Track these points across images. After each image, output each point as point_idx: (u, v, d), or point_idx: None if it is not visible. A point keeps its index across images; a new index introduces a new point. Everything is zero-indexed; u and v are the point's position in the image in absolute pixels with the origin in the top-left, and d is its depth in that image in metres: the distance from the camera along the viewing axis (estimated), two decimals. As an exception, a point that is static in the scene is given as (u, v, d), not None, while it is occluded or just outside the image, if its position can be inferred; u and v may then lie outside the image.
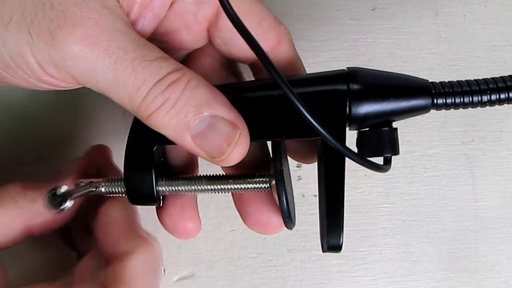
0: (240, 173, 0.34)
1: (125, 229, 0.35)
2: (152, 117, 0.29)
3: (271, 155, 0.33)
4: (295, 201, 0.37)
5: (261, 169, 0.35)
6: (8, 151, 0.44)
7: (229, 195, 0.36)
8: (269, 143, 0.35)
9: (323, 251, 0.32)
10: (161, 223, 0.35)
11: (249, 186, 0.33)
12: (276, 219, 0.35)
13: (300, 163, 0.42)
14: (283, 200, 0.32)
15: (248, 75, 0.37)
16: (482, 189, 0.46)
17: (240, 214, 0.36)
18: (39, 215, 0.35)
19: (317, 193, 0.32)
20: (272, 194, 0.34)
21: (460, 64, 0.47)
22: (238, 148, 0.30)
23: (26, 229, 0.35)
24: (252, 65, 0.36)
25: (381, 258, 0.45)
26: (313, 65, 0.46)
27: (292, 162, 0.36)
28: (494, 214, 0.46)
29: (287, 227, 0.33)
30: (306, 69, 0.36)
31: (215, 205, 0.44)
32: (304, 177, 0.45)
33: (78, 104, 0.45)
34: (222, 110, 0.29)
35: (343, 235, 0.31)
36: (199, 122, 0.29)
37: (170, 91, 0.28)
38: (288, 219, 0.32)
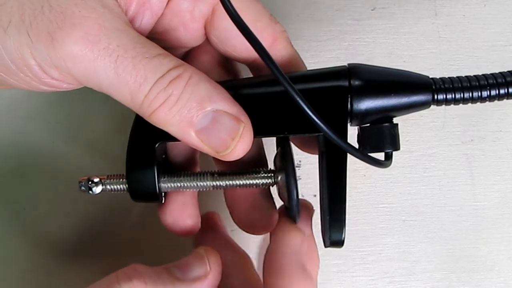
0: (236, 170, 0.34)
1: (298, 262, 0.32)
2: (155, 114, 0.29)
3: (282, 151, 0.33)
4: None
5: (255, 166, 0.35)
6: (9, 153, 0.43)
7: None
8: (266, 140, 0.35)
9: (325, 246, 0.32)
10: (161, 219, 0.35)
11: (254, 181, 0.33)
12: (270, 218, 0.35)
13: (299, 162, 0.42)
14: (293, 196, 0.31)
15: (246, 74, 0.37)
16: (481, 189, 0.46)
17: (231, 213, 0.36)
18: None
19: (316, 193, 0.32)
20: (265, 193, 0.35)
21: (460, 64, 0.47)
22: (242, 142, 0.30)
23: None
24: (250, 65, 0.36)
25: (380, 258, 0.45)
26: (313, 65, 0.45)
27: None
28: (494, 214, 0.46)
29: None
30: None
31: (215, 205, 0.44)
32: (303, 177, 0.45)
33: (77, 104, 0.45)
34: (225, 104, 0.29)
35: (345, 230, 0.31)
36: (203, 117, 0.29)
37: (172, 88, 0.28)
38: (297, 214, 0.32)
